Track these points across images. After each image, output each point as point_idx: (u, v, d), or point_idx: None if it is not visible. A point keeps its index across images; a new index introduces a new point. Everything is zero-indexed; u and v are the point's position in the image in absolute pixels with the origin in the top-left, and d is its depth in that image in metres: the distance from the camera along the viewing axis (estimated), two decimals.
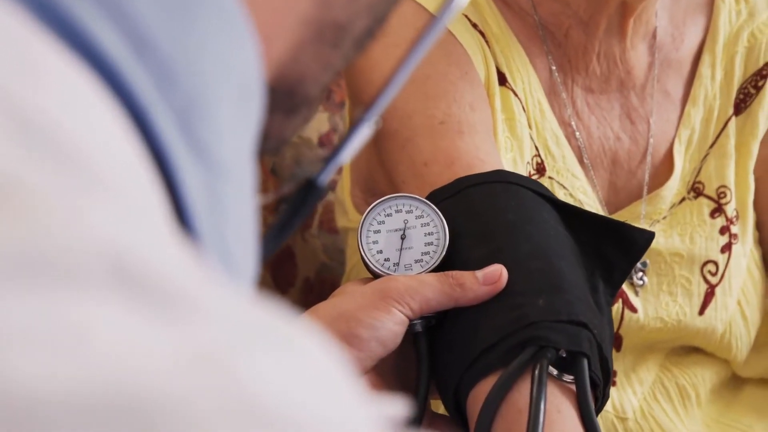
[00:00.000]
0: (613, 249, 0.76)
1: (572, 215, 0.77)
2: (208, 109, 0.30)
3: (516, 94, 0.93)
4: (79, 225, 0.22)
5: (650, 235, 0.77)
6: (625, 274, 0.76)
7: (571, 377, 0.66)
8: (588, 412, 0.64)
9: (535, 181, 0.79)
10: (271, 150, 0.41)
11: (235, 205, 0.31)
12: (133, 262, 0.22)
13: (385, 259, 0.73)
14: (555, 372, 0.65)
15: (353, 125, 0.43)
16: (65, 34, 0.27)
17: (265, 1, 0.34)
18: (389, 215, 0.74)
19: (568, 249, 0.73)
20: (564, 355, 0.66)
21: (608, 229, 0.76)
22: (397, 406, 0.28)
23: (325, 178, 0.42)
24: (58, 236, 0.22)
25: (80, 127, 0.25)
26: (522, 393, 0.64)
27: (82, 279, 0.21)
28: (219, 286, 0.25)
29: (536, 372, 0.63)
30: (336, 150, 0.42)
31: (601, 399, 0.68)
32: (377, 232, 0.74)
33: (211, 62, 0.30)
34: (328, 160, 0.42)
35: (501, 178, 0.77)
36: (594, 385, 0.66)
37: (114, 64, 0.27)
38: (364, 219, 0.74)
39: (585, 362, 0.65)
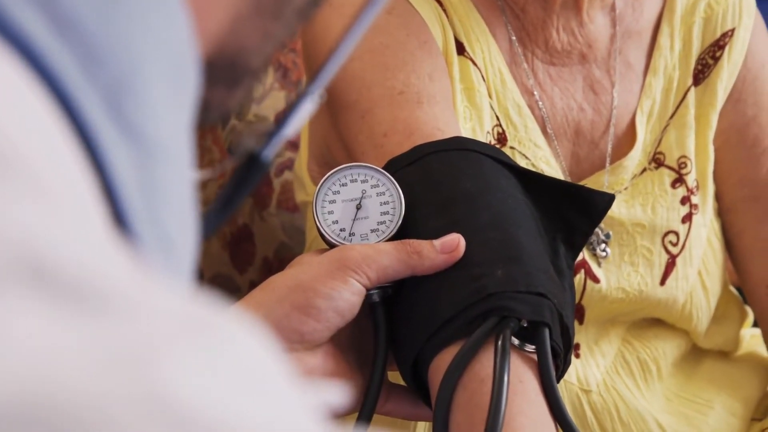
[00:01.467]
0: (573, 212, 0.75)
1: (532, 181, 0.76)
2: (138, 89, 0.29)
3: (475, 64, 0.92)
4: None
5: (610, 197, 0.77)
6: (587, 236, 0.76)
7: (533, 347, 0.66)
8: (550, 382, 0.64)
9: (494, 148, 0.79)
10: (214, 121, 0.40)
11: (172, 186, 0.31)
12: (53, 260, 0.22)
13: (341, 230, 0.72)
14: (516, 342, 0.65)
15: (298, 97, 0.42)
16: None
17: None
18: (344, 185, 0.73)
19: (527, 217, 0.73)
20: (525, 325, 0.66)
21: (568, 193, 0.76)
22: (333, 393, 0.27)
23: (270, 152, 0.41)
24: None
25: (5, 118, 0.24)
26: (483, 363, 0.64)
27: None
28: (150, 281, 0.24)
29: (499, 342, 0.63)
30: (280, 124, 0.41)
31: (563, 367, 0.68)
32: (332, 202, 0.73)
33: (141, 40, 0.30)
34: (272, 134, 0.41)
35: (459, 146, 0.76)
36: (555, 354, 0.66)
37: (36, 46, 0.26)
38: (319, 189, 0.73)
39: (546, 332, 0.65)
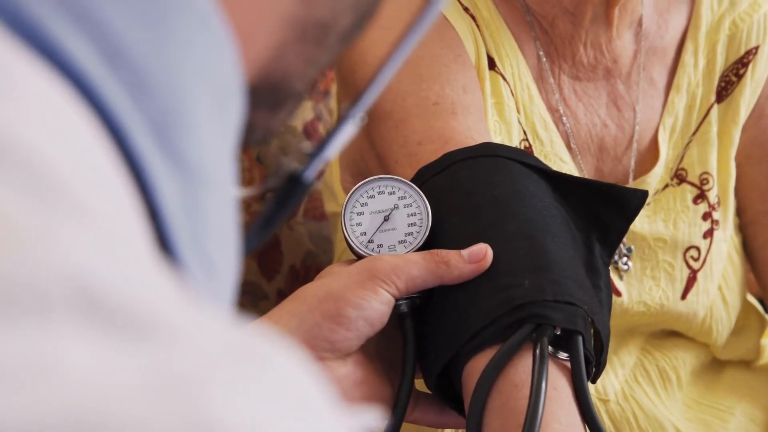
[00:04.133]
0: (607, 211, 0.76)
1: (563, 183, 0.77)
2: (185, 117, 0.30)
3: (505, 79, 0.93)
4: (49, 252, 0.22)
5: (643, 194, 0.77)
6: (622, 234, 0.77)
7: (566, 354, 0.67)
8: (583, 391, 0.65)
9: (524, 152, 0.79)
10: (257, 142, 0.41)
11: (215, 211, 0.31)
12: (103, 289, 0.22)
13: (369, 241, 0.74)
14: (551, 349, 0.66)
15: (340, 120, 0.42)
16: (36, 45, 0.26)
17: (244, 1, 0.34)
18: (372, 197, 0.74)
19: (557, 222, 0.73)
20: (558, 333, 0.67)
21: (600, 192, 0.76)
22: (372, 417, 0.28)
23: (311, 173, 0.41)
24: (27, 264, 0.22)
25: (58, 148, 0.25)
26: (518, 369, 0.64)
27: (46, 307, 0.22)
28: (194, 308, 0.24)
29: (538, 349, 0.64)
30: (322, 145, 0.42)
31: (597, 369, 0.69)
32: (360, 214, 0.74)
33: (188, 68, 0.30)
34: (313, 155, 0.42)
35: (488, 152, 0.77)
36: (587, 361, 0.67)
37: (86, 76, 0.27)
38: (347, 201, 0.74)
39: (580, 340, 0.66)
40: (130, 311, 0.23)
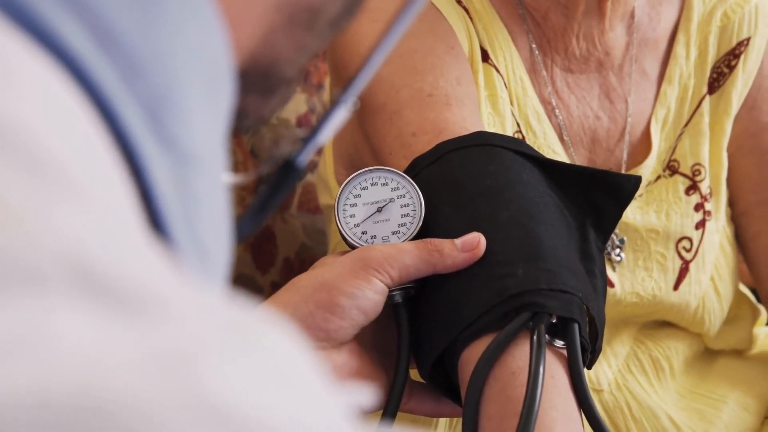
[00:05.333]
0: (601, 197, 0.76)
1: (556, 170, 0.77)
2: (176, 100, 0.30)
3: (498, 71, 0.94)
4: (44, 230, 0.23)
5: (637, 179, 0.77)
6: (616, 220, 0.77)
7: (562, 342, 0.67)
8: (579, 379, 0.66)
9: (517, 140, 0.79)
10: (249, 128, 0.41)
11: (207, 194, 0.32)
12: (99, 265, 0.23)
13: (362, 232, 0.74)
14: (547, 337, 0.66)
15: (332, 105, 0.43)
16: (29, 30, 0.27)
17: None
18: (365, 188, 0.75)
19: (550, 211, 0.74)
20: (554, 321, 0.67)
21: (594, 178, 0.77)
22: (363, 394, 0.28)
23: (304, 158, 0.42)
24: (25, 241, 0.22)
25: (52, 130, 0.25)
26: (515, 356, 0.65)
27: (43, 282, 0.22)
28: (188, 284, 0.25)
29: (535, 336, 0.64)
30: (315, 130, 0.42)
31: (593, 355, 0.69)
32: (354, 205, 0.74)
33: (179, 52, 0.31)
34: (306, 140, 0.42)
35: (481, 141, 0.77)
36: (583, 349, 0.67)
37: (80, 60, 0.27)
38: (340, 193, 0.74)
39: (576, 328, 0.67)
40: (125, 287, 0.23)
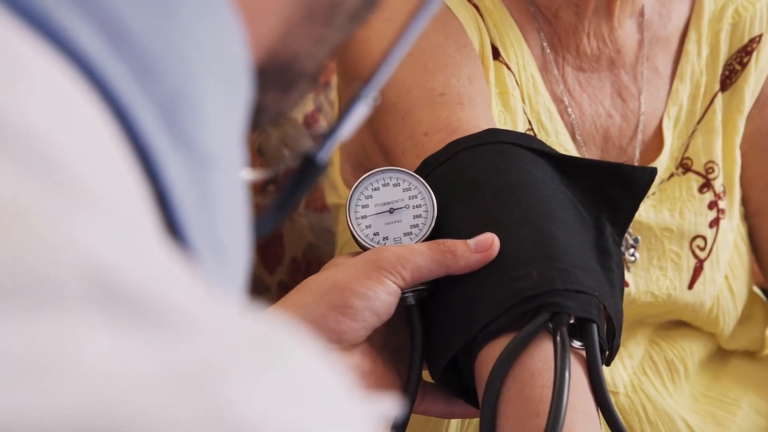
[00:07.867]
0: (616, 190, 0.75)
1: (570, 166, 0.76)
2: (192, 100, 0.30)
3: (509, 69, 0.93)
4: (62, 240, 0.22)
5: (652, 171, 0.76)
6: (632, 212, 0.76)
7: (579, 343, 0.66)
8: (599, 380, 0.65)
9: (529, 137, 0.79)
10: (268, 124, 0.40)
11: (225, 194, 0.31)
12: (116, 277, 0.22)
13: (374, 233, 0.73)
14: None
15: (353, 100, 0.42)
16: (41, 30, 0.26)
17: None
18: (376, 189, 0.74)
19: (564, 208, 0.73)
20: (572, 322, 0.66)
21: (608, 172, 0.76)
22: (389, 404, 0.28)
23: (325, 154, 0.41)
24: (40, 252, 0.22)
25: (67, 136, 0.24)
26: (533, 357, 0.64)
27: (62, 296, 0.21)
28: (209, 297, 0.24)
29: (558, 338, 0.64)
30: (335, 126, 0.42)
31: (611, 352, 0.69)
32: (365, 206, 0.74)
33: (194, 51, 0.30)
34: (327, 136, 0.41)
35: (492, 138, 0.76)
36: (601, 350, 0.67)
37: (92, 61, 0.27)
38: (352, 194, 0.74)
39: (595, 329, 0.66)
40: (147, 300, 0.22)
